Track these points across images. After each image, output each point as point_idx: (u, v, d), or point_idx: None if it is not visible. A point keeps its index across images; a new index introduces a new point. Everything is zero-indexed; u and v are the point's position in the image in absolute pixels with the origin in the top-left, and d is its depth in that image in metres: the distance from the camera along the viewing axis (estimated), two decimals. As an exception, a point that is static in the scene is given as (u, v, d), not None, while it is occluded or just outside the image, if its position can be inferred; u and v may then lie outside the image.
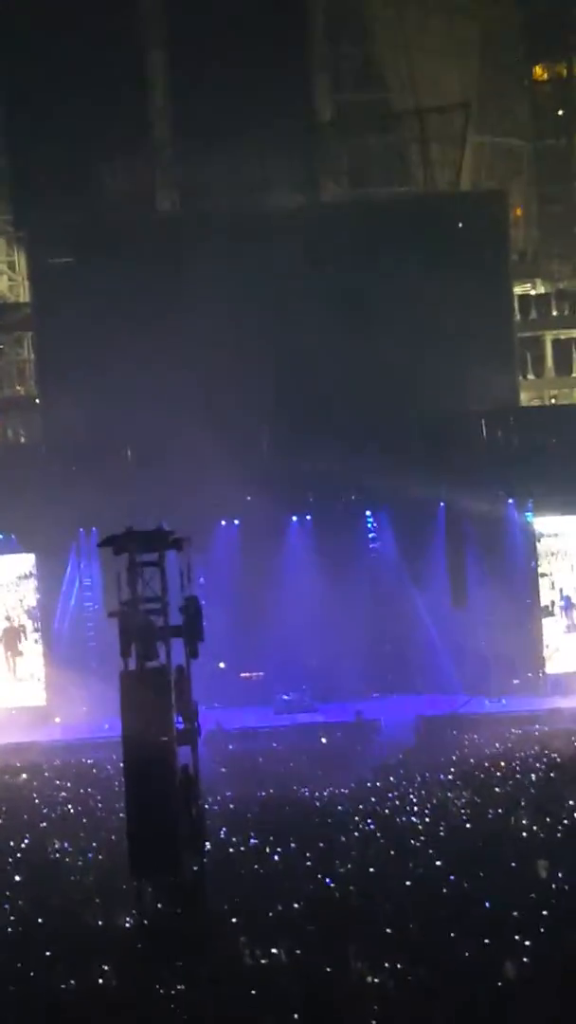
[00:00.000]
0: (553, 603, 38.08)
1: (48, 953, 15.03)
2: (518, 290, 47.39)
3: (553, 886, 16.88)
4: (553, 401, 47.91)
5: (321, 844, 20.13)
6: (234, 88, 44.26)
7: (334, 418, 37.88)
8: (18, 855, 21.07)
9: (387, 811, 23.02)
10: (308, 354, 38.44)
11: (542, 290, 49.73)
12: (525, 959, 13.68)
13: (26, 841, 21.93)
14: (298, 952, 14.11)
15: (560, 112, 52.11)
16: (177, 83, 46.34)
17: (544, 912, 15.45)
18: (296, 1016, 11.94)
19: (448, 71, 49.42)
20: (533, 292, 49.35)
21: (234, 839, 21.07)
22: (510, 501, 38.05)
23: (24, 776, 28.93)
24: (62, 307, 40.63)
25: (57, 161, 43.79)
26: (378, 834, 21.08)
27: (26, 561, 37.19)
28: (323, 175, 48.31)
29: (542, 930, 14.60)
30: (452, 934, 14.49)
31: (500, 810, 22.44)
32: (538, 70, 52.77)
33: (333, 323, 38.17)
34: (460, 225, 43.07)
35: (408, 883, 17.41)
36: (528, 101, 52.00)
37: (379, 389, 39.04)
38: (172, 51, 46.24)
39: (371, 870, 18.38)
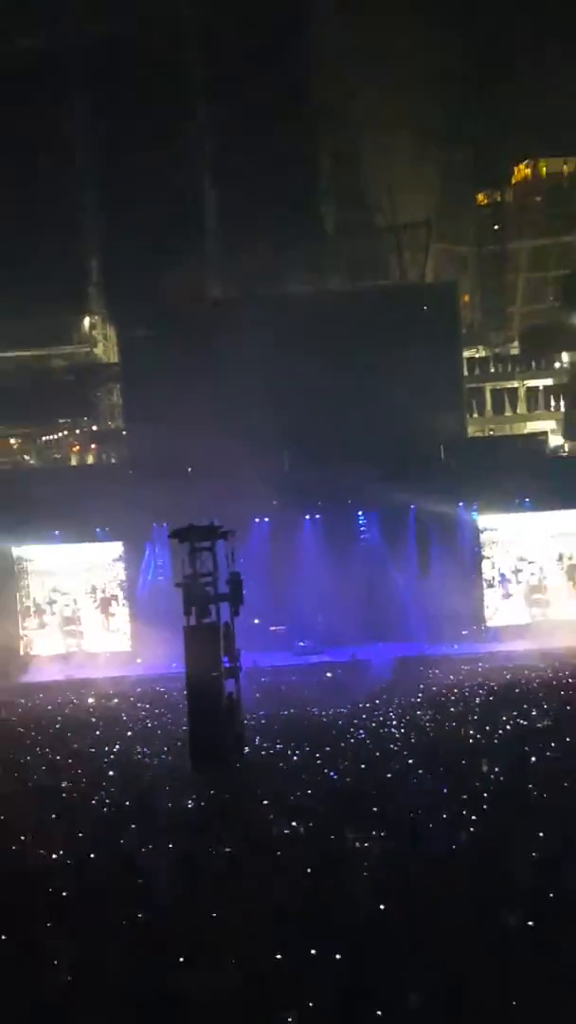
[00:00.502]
0: (493, 578, 38.05)
1: (133, 826, 15.04)
2: (466, 354, 47.33)
3: (491, 776, 16.85)
4: (491, 433, 47.81)
5: (327, 748, 20.09)
6: (265, 211, 44.52)
7: (334, 446, 37.77)
8: (112, 756, 21.06)
9: (374, 724, 22.99)
10: (316, 399, 38.57)
11: (483, 354, 49.74)
12: (471, 829, 13.64)
13: (117, 746, 21.95)
14: (311, 825, 14.09)
15: (496, 227, 52.13)
16: (222, 208, 46.74)
17: (484, 795, 15.44)
18: (308, 871, 11.90)
19: (416, 197, 49.43)
20: (477, 355, 49.35)
21: (265, 744, 21.08)
22: (461, 505, 37.96)
23: (116, 700, 28.98)
24: (140, 367, 40.92)
25: (136, 260, 44.06)
26: (367, 741, 21.06)
27: (116, 548, 37.20)
28: (327, 271, 48.42)
29: (484, 808, 14.56)
30: (419, 811, 14.45)
31: (454, 723, 22.41)
32: (480, 197, 52.72)
33: (334, 376, 38.31)
34: (425, 308, 43.18)
35: (388, 775, 17.38)
36: (473, 219, 52.02)
37: (367, 424, 38.99)
38: (220, 189, 46.71)
39: (362, 766, 18.29)
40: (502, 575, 37.99)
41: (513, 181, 52.33)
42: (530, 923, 9.67)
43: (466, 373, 46.61)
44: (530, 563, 38.01)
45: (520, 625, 37.11)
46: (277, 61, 45.52)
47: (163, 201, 44.71)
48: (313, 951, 9.24)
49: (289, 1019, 8.43)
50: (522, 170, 52.14)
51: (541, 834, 12.75)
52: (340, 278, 48.51)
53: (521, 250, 51.53)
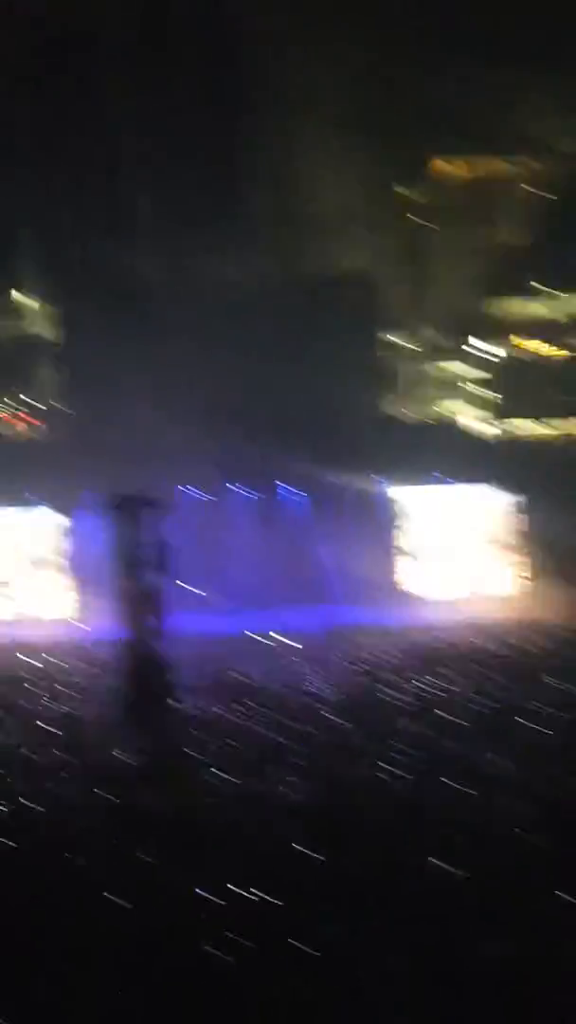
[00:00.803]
0: (408, 549, 38.54)
1: (64, 775, 14.93)
2: (385, 340, 47.61)
3: (413, 734, 16.97)
4: (407, 414, 48.21)
5: (254, 705, 20.06)
6: (189, 196, 44.28)
7: (260, 422, 37.83)
8: (49, 713, 20.87)
9: (298, 683, 22.93)
10: (242, 378, 38.62)
11: (401, 340, 50.05)
12: (396, 783, 13.77)
13: (55, 704, 21.75)
14: (238, 778, 14.12)
15: (414, 219, 52.33)
16: (148, 192, 46.23)
17: (409, 749, 15.58)
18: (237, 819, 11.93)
19: (336, 187, 49.37)
20: (395, 341, 49.62)
21: (195, 702, 20.86)
22: (380, 479, 38.39)
23: (51, 661, 28.61)
24: (75, 342, 40.45)
25: (69, 238, 43.28)
26: (292, 699, 20.96)
27: (50, 516, 36.87)
28: (252, 256, 48.19)
29: (407, 761, 14.69)
30: (344, 765, 14.54)
31: (377, 684, 22.42)
32: (400, 190, 52.88)
33: (259, 357, 38.51)
34: (347, 294, 43.53)
35: (313, 731, 17.40)
36: (391, 209, 52.15)
37: (291, 403, 39.16)
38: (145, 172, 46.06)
39: (287, 722, 18.29)
40: (419, 547, 38.47)
41: (432, 175, 52.51)
42: (451, 869, 9.80)
43: (384, 357, 46.87)
44: (445, 537, 38.53)
45: (438, 595, 37.58)
46: (197, 48, 45.09)
47: (93, 181, 44.15)
48: (246, 893, 9.29)
49: (216, 952, 8.48)
50: (440, 165, 52.35)
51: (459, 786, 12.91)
52: (266, 263, 48.34)
53: (438, 242, 51.82)
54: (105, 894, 9.24)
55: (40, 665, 28.33)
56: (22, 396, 45.64)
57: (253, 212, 48.37)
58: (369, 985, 7.41)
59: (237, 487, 38.43)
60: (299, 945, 8.02)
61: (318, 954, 7.89)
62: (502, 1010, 6.91)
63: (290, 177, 48.88)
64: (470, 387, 48.32)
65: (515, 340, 47.71)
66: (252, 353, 38.08)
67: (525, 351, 47.71)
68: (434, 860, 9.87)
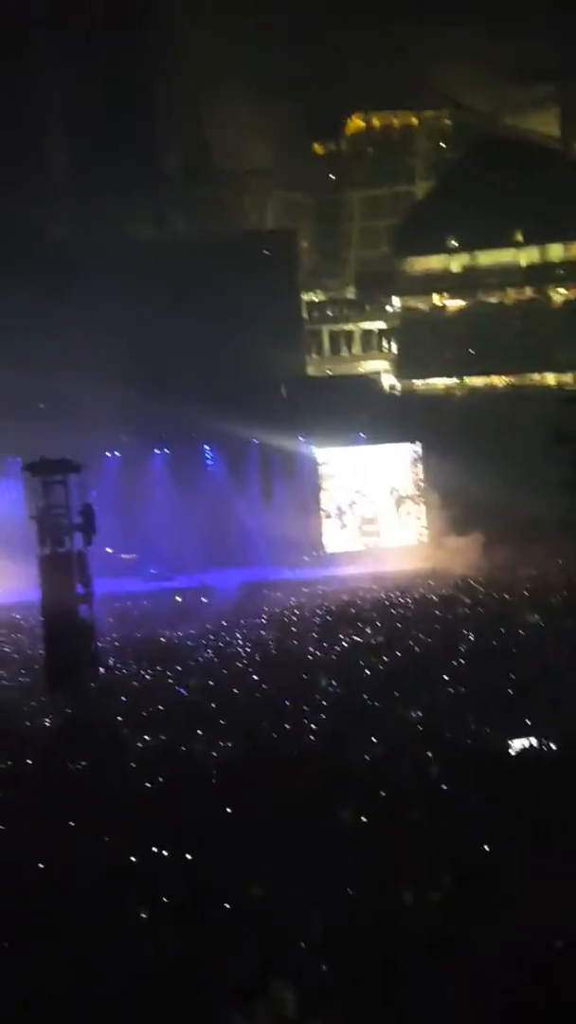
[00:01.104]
0: (330, 508, 38.76)
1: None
2: (305, 298, 47.61)
3: (328, 689, 17.25)
4: (329, 373, 48.30)
5: (178, 667, 20.20)
6: (112, 151, 43.64)
7: (182, 383, 37.65)
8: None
9: (221, 644, 23.16)
10: (163, 339, 38.33)
11: (321, 298, 50.04)
12: (312, 738, 13.97)
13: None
14: (163, 738, 14.20)
15: (332, 176, 52.19)
16: (67, 150, 45.47)
17: (324, 703, 15.82)
18: (161, 779, 12.02)
19: (256, 146, 49.09)
20: (315, 299, 49.63)
21: (119, 665, 21.05)
22: (300, 439, 38.36)
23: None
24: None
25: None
26: (215, 660, 21.24)
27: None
28: (172, 215, 47.82)
29: (323, 716, 14.92)
30: (264, 722, 14.72)
31: (295, 642, 22.80)
32: (317, 146, 52.67)
33: (180, 317, 38.09)
34: (265, 253, 43.22)
35: (235, 691, 17.64)
36: (311, 168, 51.97)
37: (213, 363, 39.06)
38: (65, 131, 45.26)
39: (211, 683, 18.48)
40: (339, 507, 38.72)
41: (348, 132, 52.36)
42: (363, 819, 10.01)
43: (305, 316, 46.88)
44: (363, 495, 38.81)
45: (354, 552, 37.95)
46: (113, 11, 44.31)
47: (9, 141, 43.21)
48: (164, 851, 9.41)
49: (143, 915, 8.62)
50: (356, 122, 52.19)
51: (372, 739, 13.15)
52: (184, 222, 47.94)
53: (355, 199, 51.79)
54: (30, 863, 9.29)
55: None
56: None
57: (169, 171, 47.88)
58: (291, 936, 7.61)
59: (159, 448, 38.28)
60: (224, 903, 8.18)
61: (243, 910, 8.06)
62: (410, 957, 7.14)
63: (206, 136, 48.41)
64: (391, 345, 48.54)
65: (434, 296, 47.99)
66: (171, 313, 37.79)
67: (442, 307, 48.01)
68: (354, 810, 10.07)
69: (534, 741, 12.12)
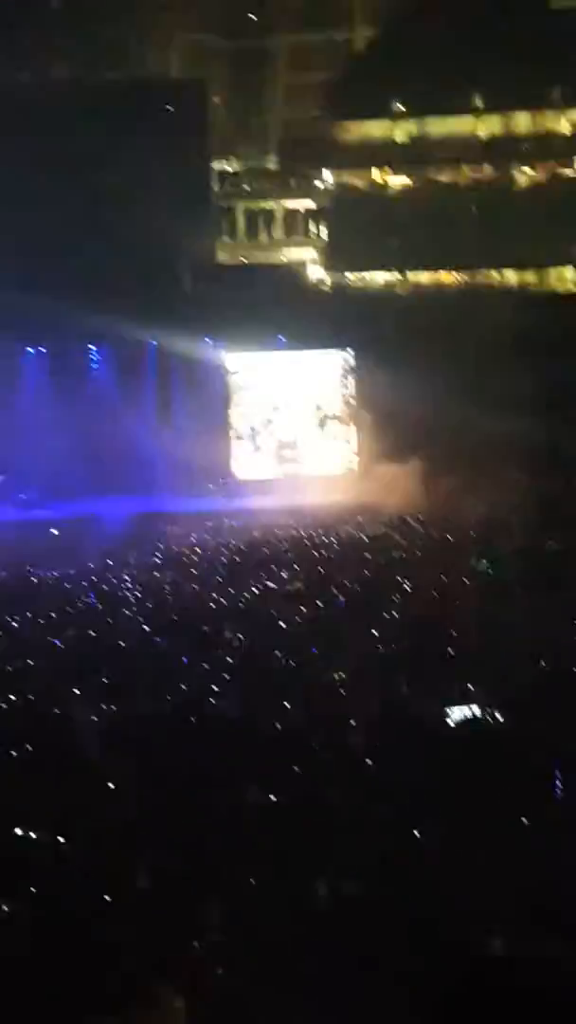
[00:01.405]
0: (242, 429, 38.85)
1: None
2: (216, 166, 47.03)
3: (233, 645, 17.44)
4: (243, 261, 47.94)
5: (52, 614, 20.20)
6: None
7: (59, 268, 37.06)
8: None
9: (106, 587, 23.21)
10: (37, 213, 37.59)
11: (236, 167, 49.46)
12: (214, 701, 14.16)
13: None
14: (31, 698, 14.28)
15: (253, 17, 51.32)
16: None
17: (229, 660, 16.02)
18: (31, 748, 12.13)
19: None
20: (228, 168, 49.04)
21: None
22: (208, 341, 38.22)
23: None
24: None
25: None
26: (99, 606, 21.31)
27: None
28: (49, 57, 46.71)
29: (227, 676, 15.13)
30: (156, 682, 14.87)
31: (195, 586, 22.95)
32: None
33: (57, 186, 37.39)
34: (167, 107, 42.23)
35: (121, 643, 17.73)
36: (227, 6, 51.03)
37: (98, 245, 38.37)
38: None
39: (92, 633, 18.53)
40: (252, 428, 38.76)
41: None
42: (272, 797, 10.26)
43: (216, 189, 46.34)
44: (281, 412, 38.91)
45: (269, 480, 38.15)
46: None
47: None
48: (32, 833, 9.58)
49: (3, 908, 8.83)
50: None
51: (286, 704, 13.40)
52: (65, 66, 46.81)
53: (281, 46, 50.98)
54: None
55: None
56: None
57: (55, 8, 46.68)
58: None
59: (36, 350, 37.84)
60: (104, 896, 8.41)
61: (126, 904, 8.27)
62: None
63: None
64: (320, 229, 48.33)
65: (373, 171, 47.74)
66: (47, 180, 37.00)
67: (383, 185, 47.83)
68: (261, 787, 10.33)
69: (477, 710, 12.42)
